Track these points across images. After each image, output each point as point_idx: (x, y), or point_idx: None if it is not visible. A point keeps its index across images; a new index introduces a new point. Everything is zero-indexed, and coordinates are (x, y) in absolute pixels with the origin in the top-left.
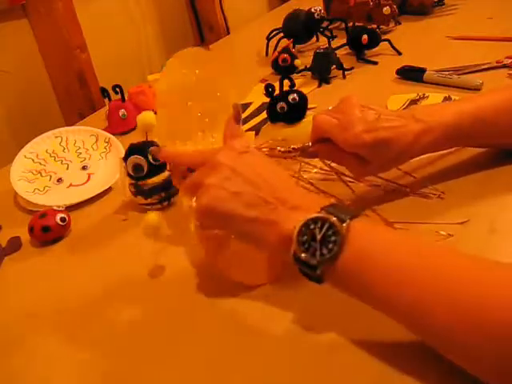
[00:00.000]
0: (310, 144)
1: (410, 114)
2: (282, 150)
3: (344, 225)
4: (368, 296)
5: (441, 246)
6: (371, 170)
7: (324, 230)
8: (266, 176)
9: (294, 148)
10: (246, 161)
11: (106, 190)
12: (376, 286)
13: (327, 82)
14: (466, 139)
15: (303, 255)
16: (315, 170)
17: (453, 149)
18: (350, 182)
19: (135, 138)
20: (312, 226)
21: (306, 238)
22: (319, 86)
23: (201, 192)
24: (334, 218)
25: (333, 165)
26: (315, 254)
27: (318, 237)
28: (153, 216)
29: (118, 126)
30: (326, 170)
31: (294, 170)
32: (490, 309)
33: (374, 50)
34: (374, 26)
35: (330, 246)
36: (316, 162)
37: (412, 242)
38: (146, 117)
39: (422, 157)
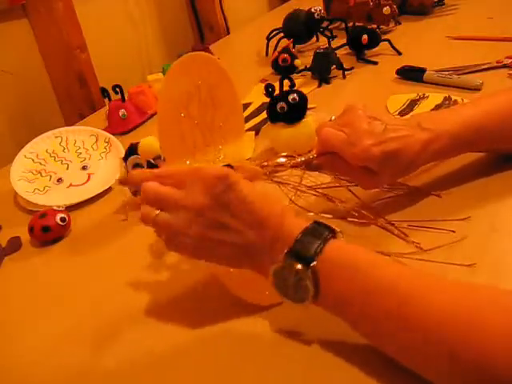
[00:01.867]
0: (315, 156)
1: (415, 122)
2: (287, 164)
3: (309, 270)
4: (354, 326)
5: (418, 279)
6: (379, 181)
7: (293, 276)
8: (244, 216)
9: (298, 161)
10: (226, 204)
11: (106, 189)
12: (360, 329)
13: (327, 82)
14: (471, 146)
15: (285, 299)
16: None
17: None
18: (351, 186)
19: (135, 138)
20: (283, 273)
21: (281, 284)
22: (319, 86)
23: (184, 240)
24: (299, 266)
25: None
26: (295, 297)
27: (290, 282)
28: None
29: (118, 126)
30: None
31: (294, 182)
32: (478, 345)
33: (374, 49)
34: (374, 26)
35: (303, 290)
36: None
37: (388, 284)
38: (147, 144)
39: None
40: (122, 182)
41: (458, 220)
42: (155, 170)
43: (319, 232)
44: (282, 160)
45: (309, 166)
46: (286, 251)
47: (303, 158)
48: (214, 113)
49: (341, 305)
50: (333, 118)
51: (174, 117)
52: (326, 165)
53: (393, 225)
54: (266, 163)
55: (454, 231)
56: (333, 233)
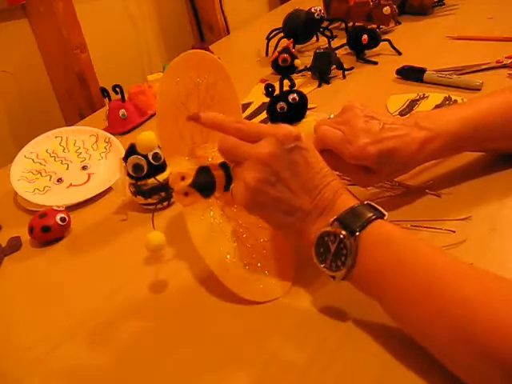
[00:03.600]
0: None
1: (413, 121)
2: None
3: (353, 238)
4: (382, 304)
5: (453, 262)
6: (377, 179)
7: (336, 244)
8: (304, 179)
9: None
10: (291, 161)
11: (106, 189)
12: (385, 300)
13: (327, 82)
14: (469, 145)
15: (321, 266)
16: None
17: None
18: (351, 185)
19: (135, 138)
20: (326, 239)
21: (322, 249)
22: (319, 86)
23: (241, 186)
24: (344, 232)
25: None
26: (331, 265)
27: (332, 249)
28: (155, 235)
29: (118, 126)
30: None
31: None
32: (500, 337)
33: (374, 50)
34: (374, 25)
35: (343, 259)
36: None
37: (423, 259)
38: (146, 138)
39: None
40: (193, 117)
41: (457, 220)
42: (231, 118)
43: (368, 211)
44: None
45: None
46: (334, 218)
47: None
48: (213, 110)
49: (373, 275)
50: (331, 116)
51: (172, 113)
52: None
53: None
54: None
55: (454, 231)
56: (381, 215)
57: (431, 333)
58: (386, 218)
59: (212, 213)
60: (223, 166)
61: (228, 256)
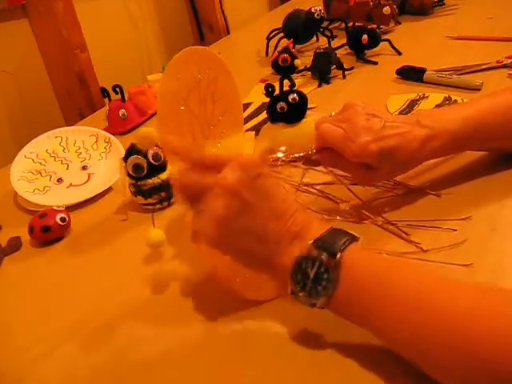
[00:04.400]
0: (314, 151)
1: (414, 119)
2: (286, 159)
3: (335, 260)
4: (368, 327)
5: (441, 276)
6: (377, 177)
7: (315, 268)
8: (273, 204)
9: (297, 156)
10: (257, 188)
11: (106, 189)
12: (373, 320)
13: (327, 82)
14: (470, 144)
15: (300, 294)
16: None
17: None
18: (352, 184)
19: (135, 138)
20: (304, 265)
21: (299, 276)
22: (319, 86)
23: (208, 218)
24: (324, 255)
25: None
26: (311, 292)
27: (311, 276)
28: (156, 232)
29: (118, 126)
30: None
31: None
32: (493, 347)
33: (374, 49)
34: (374, 26)
35: (324, 283)
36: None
37: (409, 275)
38: (145, 134)
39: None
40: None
41: (457, 220)
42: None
43: (343, 234)
44: (281, 154)
45: (308, 161)
46: (311, 242)
47: (302, 154)
48: (214, 106)
49: (357, 294)
50: (333, 113)
51: (173, 110)
52: (324, 160)
53: (393, 224)
54: (264, 157)
55: (455, 230)
56: (355, 239)
57: (423, 346)
58: (360, 242)
59: None
60: None
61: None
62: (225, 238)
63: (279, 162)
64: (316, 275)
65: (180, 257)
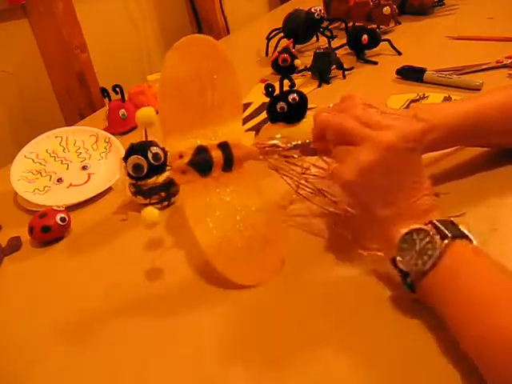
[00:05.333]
0: (311, 140)
1: (412, 112)
2: (282, 146)
3: (444, 242)
4: (444, 315)
5: None
6: None
7: (424, 243)
8: (411, 180)
9: (294, 145)
10: (406, 159)
11: (106, 189)
12: (450, 309)
13: (327, 82)
14: (468, 138)
15: (400, 261)
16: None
17: (453, 148)
18: None
19: (135, 137)
20: (414, 236)
21: (406, 245)
22: (319, 86)
23: (352, 163)
24: (437, 233)
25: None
26: (410, 262)
27: (417, 247)
28: (150, 211)
29: (118, 126)
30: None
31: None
32: None
33: (374, 50)
34: (374, 26)
35: (425, 258)
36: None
37: (506, 282)
38: (146, 112)
39: (423, 156)
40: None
41: (453, 217)
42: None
43: (458, 229)
44: (277, 141)
45: (304, 150)
46: (430, 220)
47: (299, 142)
48: (213, 93)
49: (448, 282)
50: (331, 105)
51: (174, 95)
52: (321, 150)
53: None
54: (261, 143)
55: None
56: (468, 238)
57: (489, 350)
58: (473, 243)
59: (208, 192)
60: (221, 146)
61: (215, 232)
62: (359, 187)
63: (276, 149)
64: (421, 248)
65: (180, 257)
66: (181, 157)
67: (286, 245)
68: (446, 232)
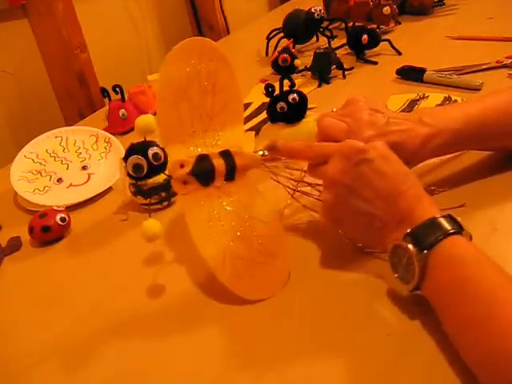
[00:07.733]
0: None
1: (417, 117)
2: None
3: (421, 255)
4: (444, 327)
5: None
6: None
7: (405, 258)
8: (376, 188)
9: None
10: (359, 174)
11: (106, 189)
12: (448, 325)
13: (327, 82)
14: (473, 142)
15: (395, 276)
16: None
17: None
18: None
19: (135, 137)
20: (398, 251)
21: (395, 260)
22: (319, 86)
23: (321, 205)
24: (412, 248)
25: None
26: (403, 276)
27: (403, 262)
28: (152, 223)
29: (118, 126)
30: None
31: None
32: None
33: (374, 49)
34: (374, 26)
35: (411, 273)
36: None
37: (486, 284)
38: (144, 120)
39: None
40: (270, 147)
41: (452, 208)
42: (300, 144)
43: (445, 224)
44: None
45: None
46: (407, 231)
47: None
48: (213, 98)
49: (436, 294)
50: (334, 109)
51: (173, 100)
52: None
53: None
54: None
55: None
56: (459, 229)
57: (487, 357)
58: (464, 233)
59: (210, 202)
60: (223, 154)
61: (219, 243)
62: (337, 221)
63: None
64: (406, 264)
65: (180, 257)
66: (182, 166)
67: (291, 257)
68: (423, 244)
